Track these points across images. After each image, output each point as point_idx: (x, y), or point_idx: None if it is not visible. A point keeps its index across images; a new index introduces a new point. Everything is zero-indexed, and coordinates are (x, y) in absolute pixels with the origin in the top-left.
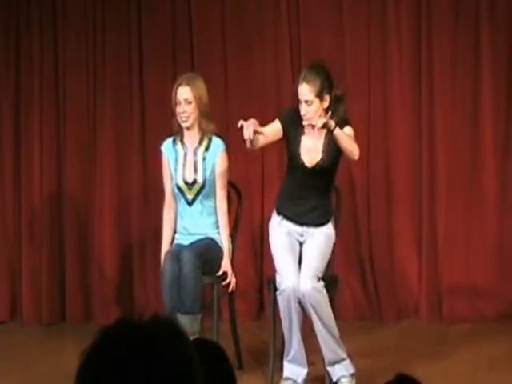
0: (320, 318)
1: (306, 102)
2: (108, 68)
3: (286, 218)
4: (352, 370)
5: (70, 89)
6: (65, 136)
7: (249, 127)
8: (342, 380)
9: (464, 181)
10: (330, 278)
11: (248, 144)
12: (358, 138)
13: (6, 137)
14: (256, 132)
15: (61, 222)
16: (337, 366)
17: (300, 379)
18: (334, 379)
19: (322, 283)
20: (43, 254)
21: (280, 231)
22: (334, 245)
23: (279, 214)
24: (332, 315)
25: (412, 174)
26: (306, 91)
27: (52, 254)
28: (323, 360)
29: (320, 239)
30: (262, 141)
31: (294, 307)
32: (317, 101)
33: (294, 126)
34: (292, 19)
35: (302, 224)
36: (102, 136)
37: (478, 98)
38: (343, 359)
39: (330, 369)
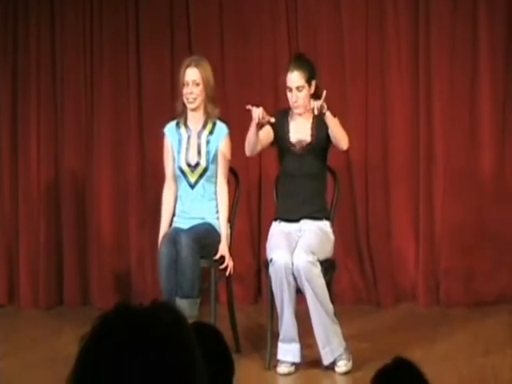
0: (314, 293)
1: (298, 88)
2: (105, 50)
3: (282, 219)
4: (346, 351)
5: (67, 72)
6: (62, 121)
7: (258, 110)
8: (339, 360)
9: (461, 167)
10: (327, 262)
11: (248, 151)
12: (355, 127)
13: (4, 122)
14: (263, 120)
15: (58, 206)
16: (331, 345)
17: (295, 358)
18: (331, 360)
19: (316, 258)
20: (41, 239)
21: (278, 229)
22: (334, 245)
23: (276, 219)
24: (326, 290)
25: (410, 161)
26: (297, 77)
27: (49, 238)
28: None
29: (316, 229)
30: (258, 146)
31: (286, 280)
32: (306, 86)
33: (280, 123)
34: (290, 6)
35: (297, 220)
36: (100, 121)
37: (475, 86)
38: (337, 337)
39: (323, 351)
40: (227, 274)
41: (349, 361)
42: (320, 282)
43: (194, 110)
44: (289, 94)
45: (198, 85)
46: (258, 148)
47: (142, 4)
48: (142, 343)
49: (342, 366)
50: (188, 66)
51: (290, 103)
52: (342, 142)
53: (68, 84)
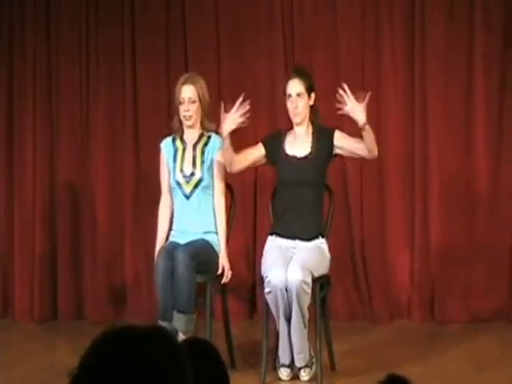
0: (300, 308)
1: (298, 95)
2: (101, 64)
3: (278, 235)
4: (311, 363)
5: (63, 85)
6: (58, 133)
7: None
8: (304, 369)
9: (456, 182)
10: (323, 279)
11: (227, 167)
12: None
13: (0, 134)
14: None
15: (53, 218)
16: (305, 353)
17: (293, 362)
18: (302, 364)
19: (310, 276)
20: (36, 251)
21: (273, 245)
22: (330, 263)
23: (271, 234)
24: (306, 308)
25: (405, 175)
26: (297, 84)
27: (44, 251)
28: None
29: (312, 246)
30: (242, 163)
31: (282, 300)
32: (306, 96)
33: (276, 143)
34: (286, 16)
35: (293, 238)
36: (95, 133)
37: (470, 100)
38: (306, 351)
39: (297, 356)
40: (222, 281)
41: (311, 369)
42: (307, 300)
43: (190, 127)
44: (288, 103)
45: (194, 102)
46: (242, 166)
47: (138, 18)
48: (134, 364)
49: (305, 375)
50: (183, 83)
51: (290, 112)
52: (375, 152)
53: (64, 97)
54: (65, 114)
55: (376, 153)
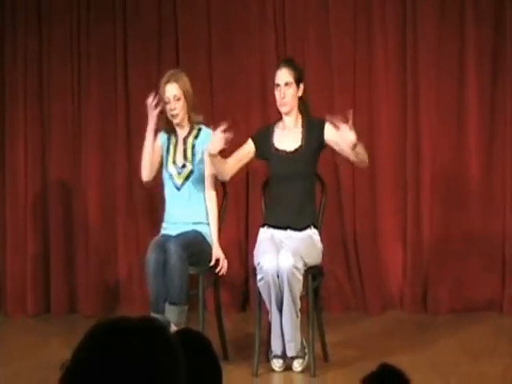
0: (291, 295)
1: (287, 84)
2: (93, 64)
3: (269, 226)
4: (303, 354)
5: (54, 85)
6: (49, 133)
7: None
8: (297, 360)
9: (448, 175)
10: (315, 269)
11: (219, 176)
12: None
13: None
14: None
15: (46, 215)
16: (296, 343)
17: (285, 352)
18: (293, 354)
19: (302, 262)
20: (28, 247)
21: (265, 236)
22: (322, 253)
23: (264, 225)
24: (298, 296)
25: (397, 168)
26: (286, 74)
27: (37, 246)
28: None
29: (304, 236)
30: (234, 168)
31: (274, 285)
32: (294, 86)
33: (265, 137)
34: (278, 12)
35: (284, 228)
36: (87, 133)
37: (462, 97)
38: (297, 341)
39: (288, 344)
40: (220, 273)
41: (304, 359)
42: (299, 286)
43: (178, 124)
44: (276, 93)
45: (179, 99)
46: (232, 172)
47: (129, 17)
48: (126, 356)
49: (298, 366)
50: (167, 82)
51: (278, 101)
52: (366, 164)
53: (55, 97)
54: (56, 112)
55: (367, 164)
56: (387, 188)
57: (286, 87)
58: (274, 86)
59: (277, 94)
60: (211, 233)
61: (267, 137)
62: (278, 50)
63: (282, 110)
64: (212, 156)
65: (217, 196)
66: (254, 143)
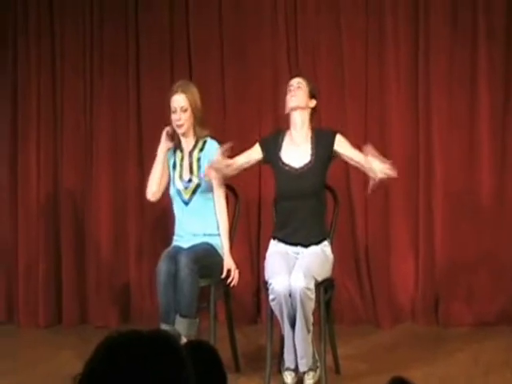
0: (304, 315)
1: (299, 87)
2: (105, 71)
3: (280, 240)
4: (315, 367)
5: (67, 92)
6: (62, 139)
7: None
8: (308, 373)
9: (460, 188)
10: (326, 282)
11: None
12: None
13: (4, 140)
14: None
15: (57, 223)
16: (305, 360)
17: (298, 366)
18: (305, 369)
19: (313, 282)
20: (40, 257)
21: (275, 250)
22: (333, 264)
23: (274, 238)
24: (311, 314)
25: (409, 179)
26: (300, 80)
27: (48, 256)
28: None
29: (315, 251)
30: (236, 171)
31: (286, 306)
32: (307, 91)
33: (273, 144)
34: (289, 26)
35: (295, 244)
36: (99, 140)
37: (474, 107)
38: (310, 356)
39: (300, 361)
40: (232, 284)
41: (316, 372)
42: (311, 305)
43: (183, 134)
44: (287, 96)
45: (185, 111)
46: (233, 173)
47: (141, 24)
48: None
49: (309, 379)
50: (175, 92)
51: (287, 100)
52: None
53: (68, 103)
54: (68, 121)
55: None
56: (399, 201)
57: (298, 88)
58: (286, 91)
59: (288, 95)
60: (222, 244)
61: (276, 144)
62: (289, 59)
63: (290, 104)
64: (214, 179)
65: (227, 206)
66: (262, 149)
